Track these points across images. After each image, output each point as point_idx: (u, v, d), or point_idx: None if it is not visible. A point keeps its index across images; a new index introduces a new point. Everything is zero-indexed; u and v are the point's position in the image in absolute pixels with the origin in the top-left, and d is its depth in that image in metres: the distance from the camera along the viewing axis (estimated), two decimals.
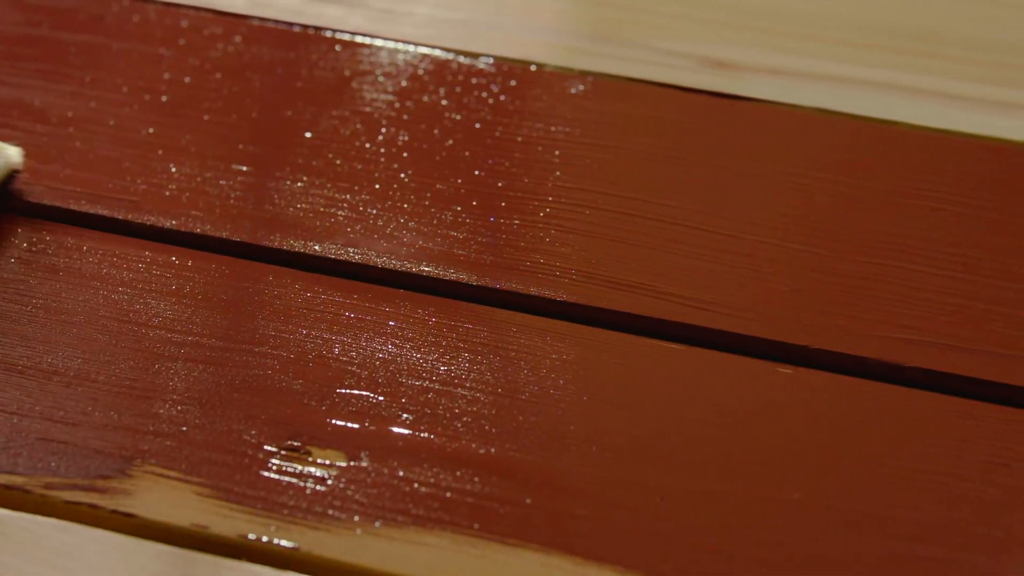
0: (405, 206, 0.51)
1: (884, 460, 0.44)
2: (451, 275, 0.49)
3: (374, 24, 0.58)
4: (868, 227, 0.50)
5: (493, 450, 0.45)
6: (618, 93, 0.55)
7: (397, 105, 0.54)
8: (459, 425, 0.45)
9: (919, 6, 0.59)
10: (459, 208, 0.51)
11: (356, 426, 0.45)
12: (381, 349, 0.47)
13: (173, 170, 0.52)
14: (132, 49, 0.56)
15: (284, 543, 0.43)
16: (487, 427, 0.45)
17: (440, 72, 0.56)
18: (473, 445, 0.45)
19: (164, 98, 0.55)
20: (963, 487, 0.44)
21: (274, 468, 0.44)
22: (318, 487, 0.44)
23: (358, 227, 0.50)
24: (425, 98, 0.55)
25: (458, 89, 0.55)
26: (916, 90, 0.55)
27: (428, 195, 0.51)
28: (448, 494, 0.44)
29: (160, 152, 0.53)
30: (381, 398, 0.46)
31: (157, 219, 0.51)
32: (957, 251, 0.49)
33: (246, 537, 0.43)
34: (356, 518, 0.43)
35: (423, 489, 0.44)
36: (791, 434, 0.45)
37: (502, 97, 0.55)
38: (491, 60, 0.56)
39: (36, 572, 0.42)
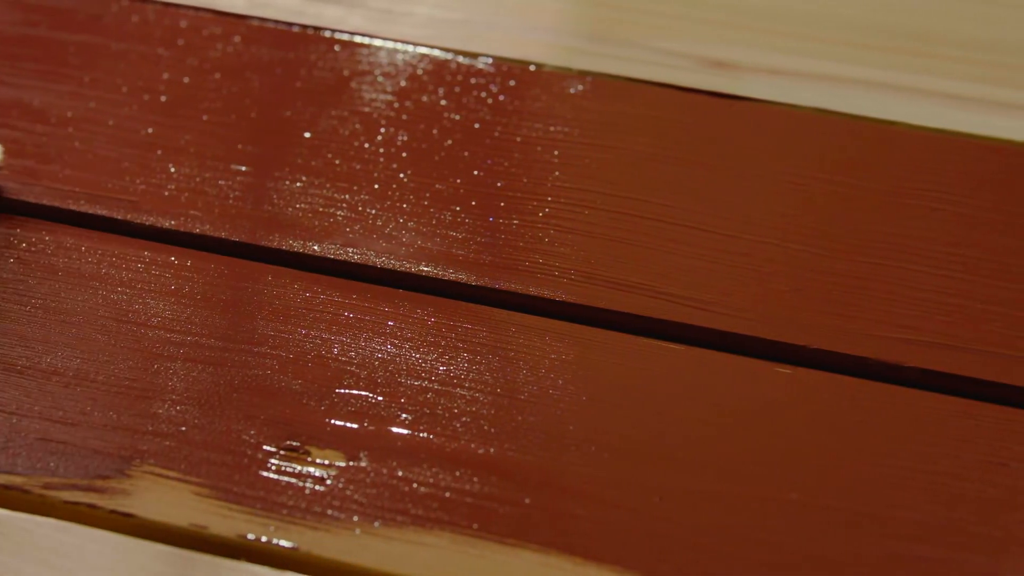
0: (404, 206, 0.51)
1: (883, 460, 0.44)
2: (450, 275, 0.49)
3: (373, 24, 0.58)
4: (867, 227, 0.50)
5: (492, 450, 0.45)
6: (617, 93, 0.55)
7: (396, 105, 0.54)
8: (458, 425, 0.45)
9: (918, 6, 0.59)
10: (458, 208, 0.51)
11: (355, 426, 0.45)
12: (380, 349, 0.47)
13: (172, 170, 0.52)
14: (131, 49, 0.56)
15: (283, 543, 0.43)
16: (486, 427, 0.45)
17: (439, 72, 0.56)
18: (472, 445, 0.45)
19: (163, 98, 0.55)
20: (962, 487, 0.44)
21: (273, 468, 0.44)
22: (317, 487, 0.44)
23: (357, 227, 0.50)
24: (424, 98, 0.55)
25: (457, 89, 0.55)
26: (915, 90, 0.55)
27: (427, 195, 0.51)
28: (447, 494, 0.44)
29: (159, 152, 0.53)
30: (380, 398, 0.46)
31: (156, 219, 0.51)
32: (956, 251, 0.49)
33: (245, 537, 0.43)
34: (355, 518, 0.43)
35: (422, 489, 0.44)
36: (790, 434, 0.45)
37: (501, 97, 0.55)
38: (490, 60, 0.56)
39: (35, 572, 0.42)
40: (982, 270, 0.49)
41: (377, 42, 0.57)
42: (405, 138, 0.53)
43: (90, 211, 0.51)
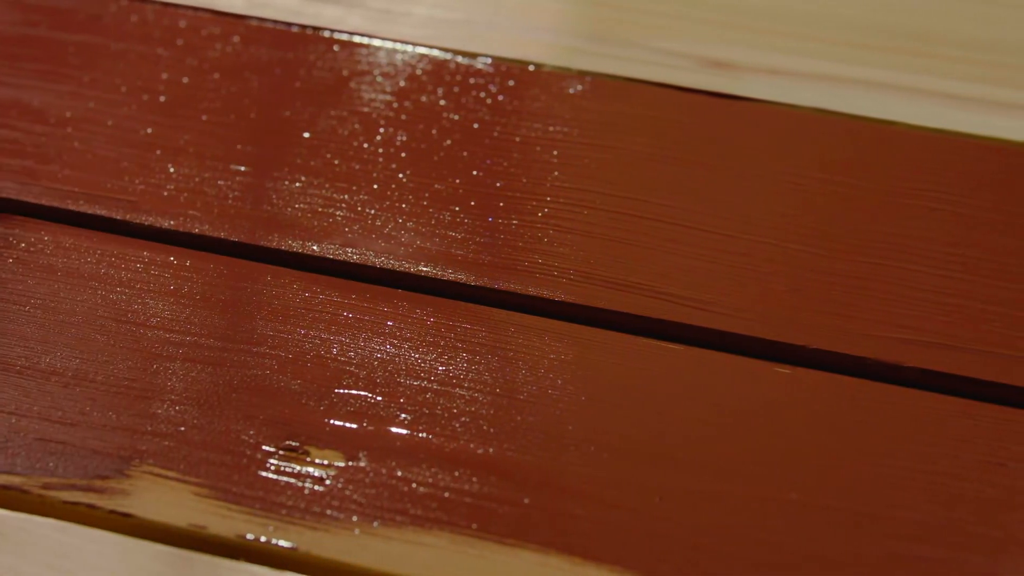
0: (403, 206, 0.51)
1: (882, 460, 0.44)
2: (449, 275, 0.49)
3: (372, 24, 0.58)
4: (866, 227, 0.50)
5: (491, 450, 0.45)
6: (616, 93, 0.55)
7: (395, 105, 0.54)
8: (457, 425, 0.45)
9: (918, 6, 0.59)
10: (457, 208, 0.51)
11: (354, 426, 0.45)
12: (379, 349, 0.47)
13: (171, 170, 0.52)
14: (130, 49, 0.56)
15: (282, 543, 0.43)
16: (485, 427, 0.45)
17: (438, 72, 0.56)
18: (471, 445, 0.45)
19: (162, 98, 0.55)
20: (961, 487, 0.44)
21: (272, 468, 0.44)
22: (316, 487, 0.44)
23: (356, 227, 0.50)
24: (423, 98, 0.55)
25: (456, 89, 0.55)
26: (914, 90, 0.55)
27: (426, 195, 0.51)
28: (446, 494, 0.44)
29: (158, 152, 0.53)
30: (379, 398, 0.46)
31: (155, 219, 0.51)
32: (955, 251, 0.49)
33: (244, 537, 0.43)
34: (354, 518, 0.43)
35: (421, 489, 0.44)
36: (789, 434, 0.45)
37: (500, 97, 0.55)
38: (489, 60, 0.56)
39: (34, 572, 0.42)
40: (981, 270, 0.49)
41: (376, 42, 0.57)
42: (404, 138, 0.53)
43: (89, 211, 0.51)
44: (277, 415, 0.45)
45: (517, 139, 0.53)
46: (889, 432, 0.45)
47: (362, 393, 0.46)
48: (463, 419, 0.45)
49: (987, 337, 0.47)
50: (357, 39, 0.57)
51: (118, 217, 0.51)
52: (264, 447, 0.45)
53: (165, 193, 0.52)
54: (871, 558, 0.42)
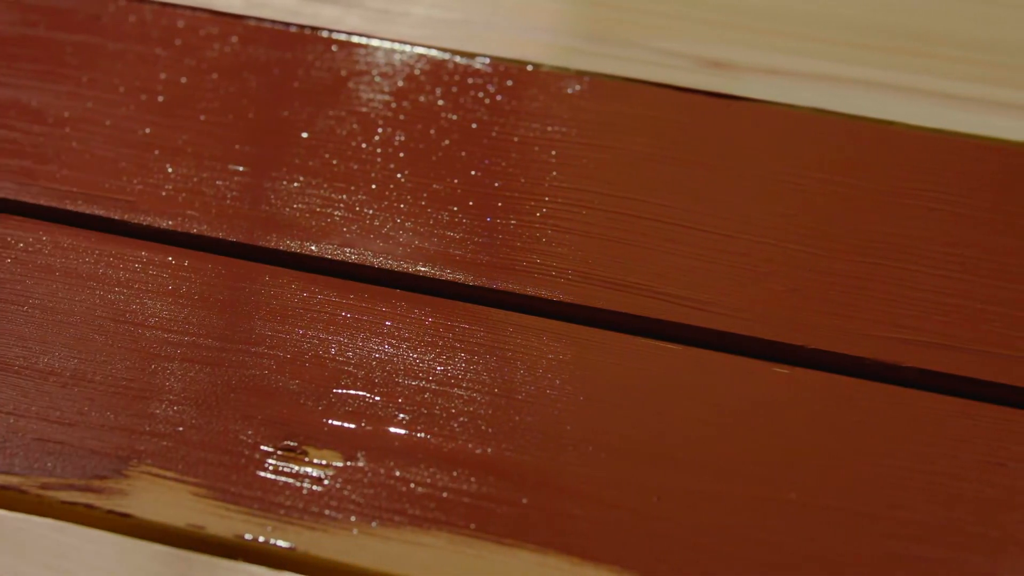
0: (401, 206, 0.51)
1: (881, 460, 0.44)
2: (447, 275, 0.49)
3: (370, 24, 0.58)
4: (865, 227, 0.50)
5: (490, 450, 0.45)
6: (615, 93, 0.55)
7: (393, 105, 0.54)
8: (456, 425, 0.45)
9: (917, 6, 0.59)
10: (455, 208, 0.51)
11: (352, 426, 0.45)
12: (377, 349, 0.47)
13: (169, 170, 0.52)
14: (128, 49, 0.56)
15: (280, 543, 0.43)
16: (484, 427, 0.45)
17: (436, 72, 0.56)
18: (470, 445, 0.45)
19: (160, 98, 0.55)
20: (960, 487, 0.44)
21: (270, 468, 0.44)
22: (314, 487, 0.44)
23: (354, 227, 0.50)
24: (421, 98, 0.55)
25: (454, 89, 0.55)
26: (913, 90, 0.55)
27: (424, 195, 0.51)
28: (444, 494, 0.44)
29: (156, 152, 0.53)
30: (377, 398, 0.46)
31: (153, 219, 0.51)
32: (954, 251, 0.49)
33: (242, 537, 0.43)
34: (352, 518, 0.43)
35: (419, 489, 0.44)
36: (788, 434, 0.45)
37: (498, 97, 0.55)
38: (487, 60, 0.56)
39: (32, 572, 0.42)
40: (980, 270, 0.49)
41: (374, 42, 0.57)
42: (402, 138, 0.53)
43: (87, 211, 0.51)
44: (275, 415, 0.45)
45: (515, 139, 0.53)
46: (888, 432, 0.45)
47: (360, 393, 0.46)
48: (461, 419, 0.45)
49: (986, 337, 0.47)
50: (355, 39, 0.57)
51: (116, 217, 0.51)
52: (262, 447, 0.45)
53: (163, 193, 0.52)
54: (870, 558, 0.42)
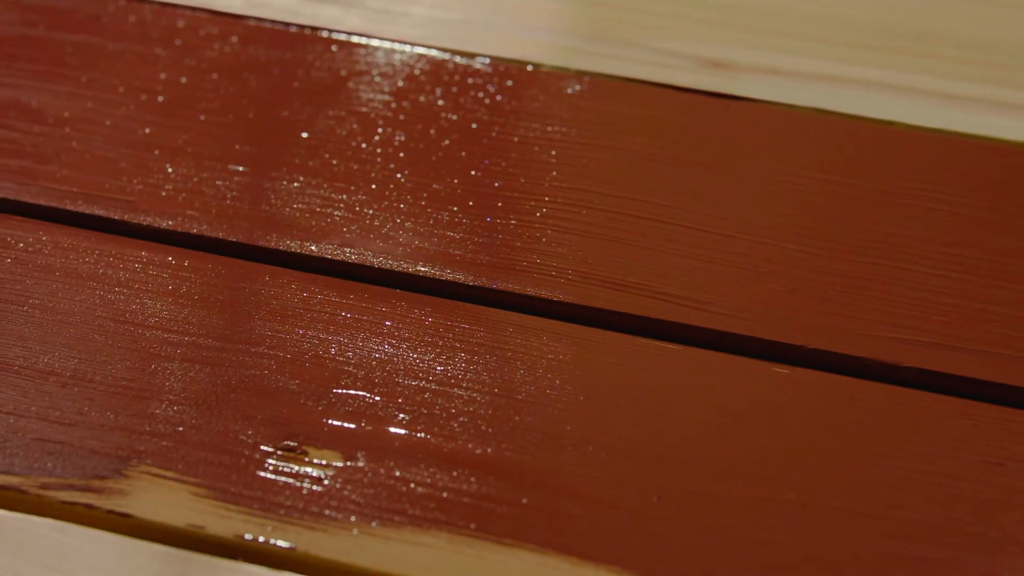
0: (401, 206, 0.51)
1: (880, 460, 0.44)
2: (447, 275, 0.49)
3: (370, 24, 0.58)
4: (864, 227, 0.50)
5: (489, 450, 0.45)
6: (614, 93, 0.55)
7: (393, 105, 0.54)
8: (455, 425, 0.45)
9: (917, 6, 0.59)
10: (455, 208, 0.51)
11: (352, 426, 0.45)
12: (377, 349, 0.47)
13: (169, 170, 0.52)
14: (128, 49, 0.56)
15: (280, 543, 0.43)
16: (483, 427, 0.45)
17: (436, 72, 0.56)
18: (469, 445, 0.45)
19: (160, 98, 0.55)
20: (959, 487, 0.44)
21: (270, 468, 0.44)
22: (314, 487, 0.44)
23: (354, 227, 0.50)
24: (421, 98, 0.55)
25: (454, 89, 0.55)
26: (913, 90, 0.55)
27: (424, 195, 0.51)
28: (444, 494, 0.44)
29: (156, 152, 0.53)
30: (377, 398, 0.46)
31: (153, 219, 0.51)
32: (954, 251, 0.49)
33: (242, 537, 0.43)
34: (352, 518, 0.43)
35: (419, 489, 0.44)
36: (787, 434, 0.45)
37: (498, 97, 0.55)
38: (487, 60, 0.56)
39: (32, 572, 0.42)
40: (980, 270, 0.49)
41: (374, 42, 0.57)
42: (402, 138, 0.53)
43: (87, 211, 0.51)
44: (275, 415, 0.45)
45: (515, 139, 0.53)
46: (887, 432, 0.45)
47: (360, 393, 0.46)
48: (461, 419, 0.45)
49: (985, 337, 0.47)
50: (355, 39, 0.57)
51: (116, 217, 0.51)
52: (262, 447, 0.45)
53: (163, 193, 0.52)
54: (870, 558, 0.42)
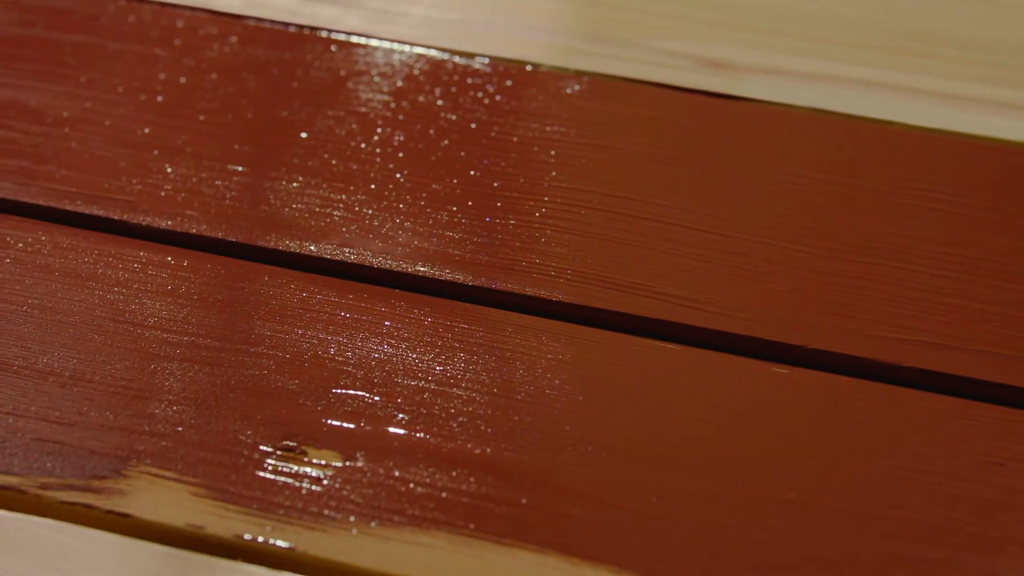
0: (401, 206, 0.51)
1: (880, 460, 0.44)
2: (447, 275, 0.49)
3: (370, 24, 0.58)
4: (864, 227, 0.50)
5: (489, 450, 0.45)
6: (614, 93, 0.55)
7: (393, 105, 0.54)
8: (455, 425, 0.45)
9: (917, 6, 0.59)
10: (455, 208, 0.51)
11: (352, 426, 0.45)
12: (377, 349, 0.47)
13: (168, 170, 0.52)
14: (128, 49, 0.56)
15: (280, 543, 0.43)
16: (483, 427, 0.45)
17: (436, 72, 0.56)
18: (469, 445, 0.45)
19: (160, 98, 0.55)
20: (959, 487, 0.44)
21: (270, 468, 0.44)
22: (314, 487, 0.44)
23: (354, 227, 0.50)
24: (421, 98, 0.55)
25: (454, 89, 0.55)
26: (912, 90, 0.55)
27: (424, 195, 0.51)
28: (444, 494, 0.44)
29: (156, 152, 0.53)
30: (377, 398, 0.46)
31: (153, 219, 0.51)
32: (953, 251, 0.49)
33: (242, 537, 0.43)
34: (352, 518, 0.43)
35: (419, 489, 0.44)
36: (787, 434, 0.45)
37: (498, 97, 0.55)
38: (487, 60, 0.56)
39: (31, 573, 0.42)
40: (979, 270, 0.49)
41: (373, 42, 0.57)
42: (402, 138, 0.53)
43: (86, 211, 0.51)
44: (274, 415, 0.45)
45: (515, 139, 0.53)
46: (887, 432, 0.45)
47: (359, 393, 0.46)
48: (460, 419, 0.45)
49: (985, 337, 0.47)
50: (354, 39, 0.57)
51: (115, 217, 0.51)
52: (261, 447, 0.45)
53: (162, 193, 0.52)
54: (869, 558, 0.42)
